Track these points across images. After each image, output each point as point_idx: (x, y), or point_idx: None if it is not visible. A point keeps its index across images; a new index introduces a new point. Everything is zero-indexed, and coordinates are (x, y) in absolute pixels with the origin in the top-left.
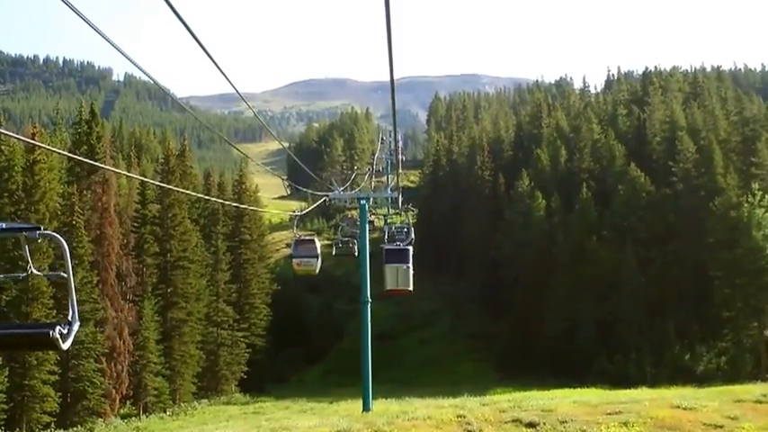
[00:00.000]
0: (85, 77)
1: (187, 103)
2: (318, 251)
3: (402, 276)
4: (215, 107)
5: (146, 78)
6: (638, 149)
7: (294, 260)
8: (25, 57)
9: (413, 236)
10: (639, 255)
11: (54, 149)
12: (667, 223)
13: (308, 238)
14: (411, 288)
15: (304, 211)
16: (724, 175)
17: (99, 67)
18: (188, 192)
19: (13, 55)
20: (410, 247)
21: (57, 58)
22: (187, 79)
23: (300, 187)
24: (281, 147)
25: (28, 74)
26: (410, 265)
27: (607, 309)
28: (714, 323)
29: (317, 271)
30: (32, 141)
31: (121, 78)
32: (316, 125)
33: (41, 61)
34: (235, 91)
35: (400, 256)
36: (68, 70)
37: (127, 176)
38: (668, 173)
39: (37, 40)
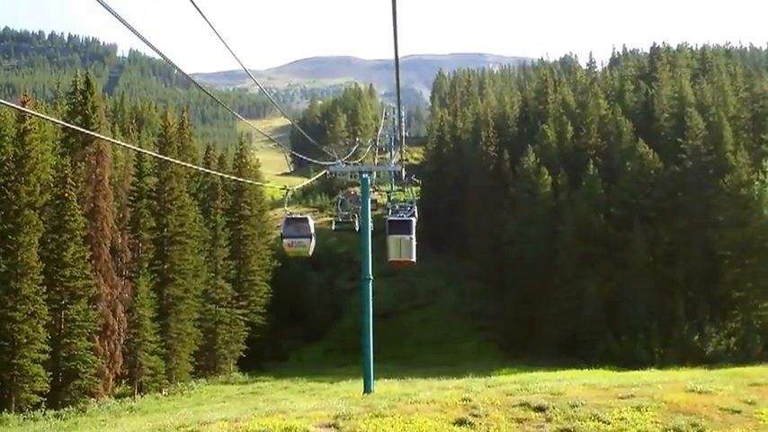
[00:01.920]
0: (90, 53)
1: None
2: (312, 231)
3: (405, 248)
4: (219, 84)
5: (150, 54)
6: (645, 126)
7: (285, 240)
8: (30, 32)
9: (416, 212)
10: (647, 233)
11: (42, 116)
12: (676, 201)
13: (300, 216)
14: (414, 259)
15: (296, 187)
16: (734, 152)
17: (104, 43)
18: (184, 164)
19: (19, 30)
20: (413, 219)
21: (62, 33)
22: (191, 56)
23: (305, 157)
24: (284, 124)
25: (33, 49)
26: (413, 236)
27: (614, 288)
28: (723, 303)
29: (311, 253)
30: (20, 108)
31: (126, 54)
32: (320, 102)
33: (46, 37)
34: (239, 67)
35: (403, 228)
36: (73, 46)
37: (124, 149)
38: (677, 150)
39: (42, 15)
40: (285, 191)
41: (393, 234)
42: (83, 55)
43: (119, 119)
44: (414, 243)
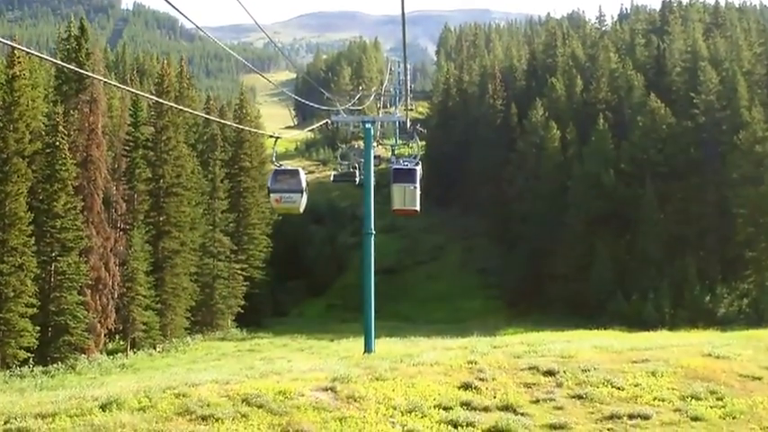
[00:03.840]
0: (94, 6)
1: (197, 32)
2: (303, 185)
3: (409, 196)
4: (225, 38)
5: (155, 7)
6: (657, 80)
7: (272, 196)
8: None
9: (420, 167)
10: (659, 190)
11: (30, 51)
12: (688, 157)
13: (290, 168)
14: (418, 208)
15: (287, 136)
16: (748, 108)
17: None
18: (181, 107)
19: None
20: (418, 167)
21: None
22: (196, 10)
23: (312, 103)
24: (289, 78)
25: (36, 1)
26: (417, 185)
27: (624, 246)
28: (736, 263)
29: (302, 209)
30: (10, 44)
31: (130, 7)
32: (324, 56)
33: None
34: (244, 22)
35: (408, 176)
36: None
37: (120, 98)
38: (689, 105)
39: None
40: (274, 139)
41: (397, 183)
42: (86, 7)
43: (120, 70)
44: (418, 192)
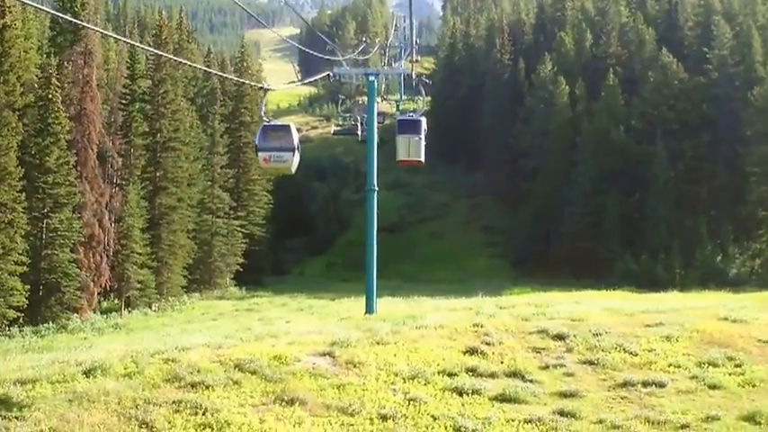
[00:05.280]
0: None
1: None
2: (295, 143)
3: (414, 147)
4: None
5: None
6: (668, 35)
7: (260, 154)
8: None
9: (425, 123)
10: (670, 147)
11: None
12: (701, 114)
13: (281, 124)
14: (422, 159)
15: (274, 87)
16: (763, 64)
17: None
18: (179, 59)
19: None
20: (423, 119)
21: None
22: None
23: (317, 53)
24: (292, 33)
25: None
26: (422, 136)
27: (634, 205)
28: (749, 223)
29: (294, 169)
30: None
31: None
32: (329, 12)
33: None
34: None
35: (413, 127)
36: None
37: (117, 52)
38: (702, 60)
39: None
40: (263, 91)
41: (402, 134)
42: None
43: (120, 23)
44: (423, 143)
